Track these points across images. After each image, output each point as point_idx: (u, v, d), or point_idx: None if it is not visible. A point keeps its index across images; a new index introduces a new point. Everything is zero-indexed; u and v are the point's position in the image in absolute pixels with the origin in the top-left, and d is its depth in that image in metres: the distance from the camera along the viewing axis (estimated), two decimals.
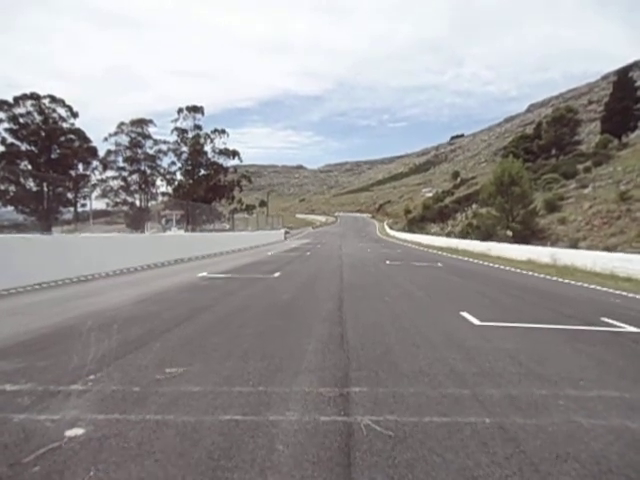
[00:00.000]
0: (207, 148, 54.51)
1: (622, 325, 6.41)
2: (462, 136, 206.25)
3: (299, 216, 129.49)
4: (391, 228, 78.43)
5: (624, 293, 10.44)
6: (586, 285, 11.97)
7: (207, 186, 53.30)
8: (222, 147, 54.89)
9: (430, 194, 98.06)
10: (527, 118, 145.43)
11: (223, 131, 54.91)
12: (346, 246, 33.48)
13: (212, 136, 54.29)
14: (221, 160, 55.28)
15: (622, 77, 58.41)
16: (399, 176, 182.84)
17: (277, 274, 12.62)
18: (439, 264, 18.54)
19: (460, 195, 73.39)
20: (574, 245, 24.01)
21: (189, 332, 5.41)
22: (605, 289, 11.12)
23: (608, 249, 20.65)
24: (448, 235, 44.41)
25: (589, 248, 21.60)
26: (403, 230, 66.50)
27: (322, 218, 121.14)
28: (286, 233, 53.08)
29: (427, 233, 51.53)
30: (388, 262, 18.36)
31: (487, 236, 32.00)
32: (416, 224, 65.28)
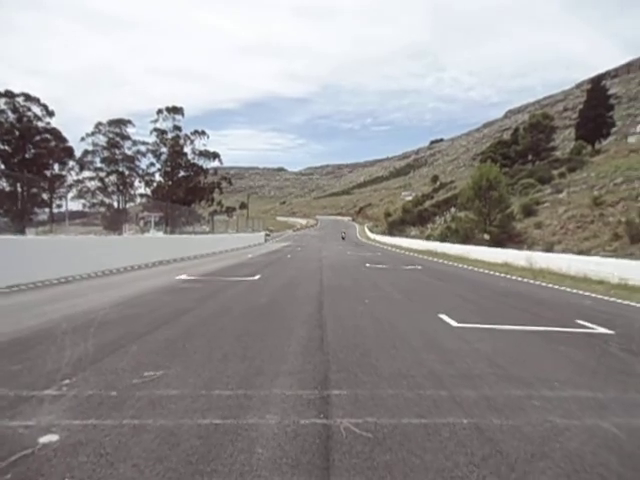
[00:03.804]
0: (187, 149, 54.15)
1: (594, 326, 6.58)
2: (441, 140, 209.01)
3: (280, 219, 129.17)
4: (371, 231, 78.91)
5: (596, 295, 10.72)
6: (561, 287, 12.24)
7: (186, 188, 52.81)
8: (202, 149, 54.56)
9: (410, 197, 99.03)
10: (505, 124, 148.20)
11: (203, 132, 54.61)
12: (326, 249, 33.54)
13: (192, 137, 53.92)
14: (201, 162, 54.92)
15: (595, 85, 60.14)
16: (380, 179, 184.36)
17: (257, 277, 12.56)
18: (418, 267, 18.72)
19: (439, 199, 74.41)
20: (549, 249, 24.54)
21: (168, 335, 5.33)
22: (579, 291, 11.40)
23: (582, 252, 21.18)
24: (427, 238, 44.90)
25: (564, 251, 22.13)
26: (383, 233, 67.00)
27: (303, 221, 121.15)
28: (267, 236, 52.89)
29: (407, 236, 51.98)
30: (368, 265, 18.45)
31: (465, 239, 32.50)
32: (396, 227, 65.85)
